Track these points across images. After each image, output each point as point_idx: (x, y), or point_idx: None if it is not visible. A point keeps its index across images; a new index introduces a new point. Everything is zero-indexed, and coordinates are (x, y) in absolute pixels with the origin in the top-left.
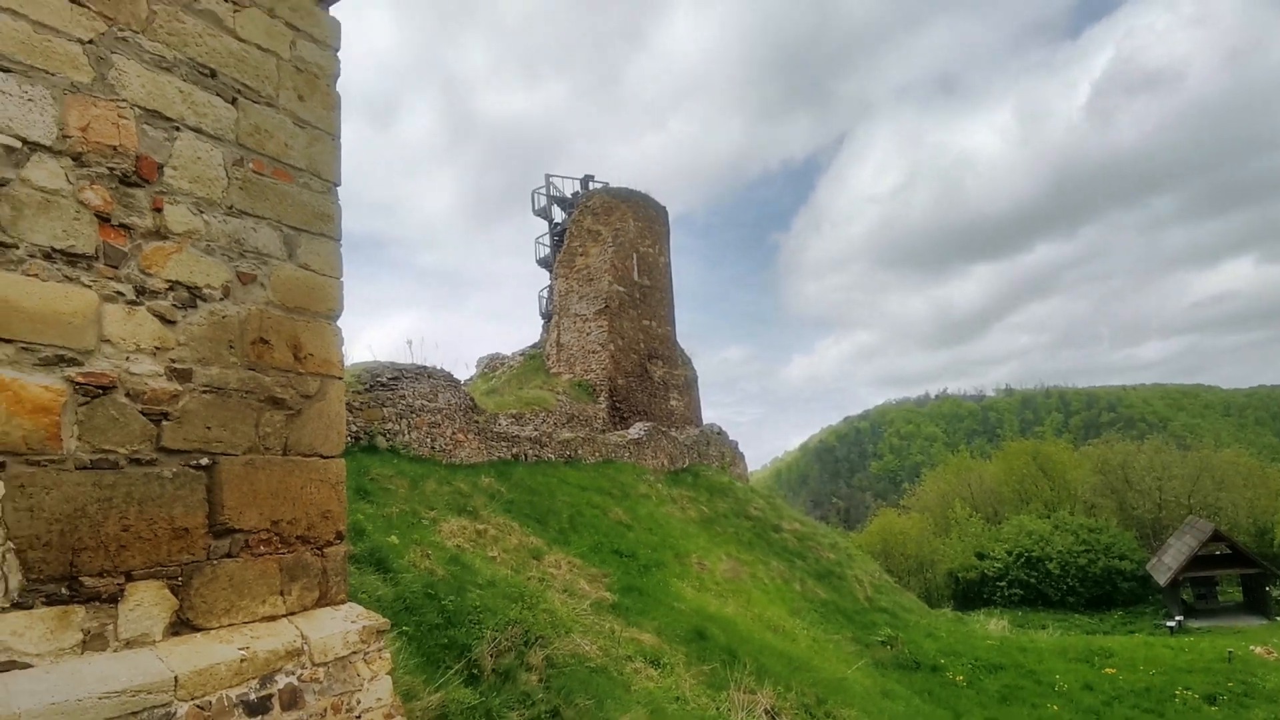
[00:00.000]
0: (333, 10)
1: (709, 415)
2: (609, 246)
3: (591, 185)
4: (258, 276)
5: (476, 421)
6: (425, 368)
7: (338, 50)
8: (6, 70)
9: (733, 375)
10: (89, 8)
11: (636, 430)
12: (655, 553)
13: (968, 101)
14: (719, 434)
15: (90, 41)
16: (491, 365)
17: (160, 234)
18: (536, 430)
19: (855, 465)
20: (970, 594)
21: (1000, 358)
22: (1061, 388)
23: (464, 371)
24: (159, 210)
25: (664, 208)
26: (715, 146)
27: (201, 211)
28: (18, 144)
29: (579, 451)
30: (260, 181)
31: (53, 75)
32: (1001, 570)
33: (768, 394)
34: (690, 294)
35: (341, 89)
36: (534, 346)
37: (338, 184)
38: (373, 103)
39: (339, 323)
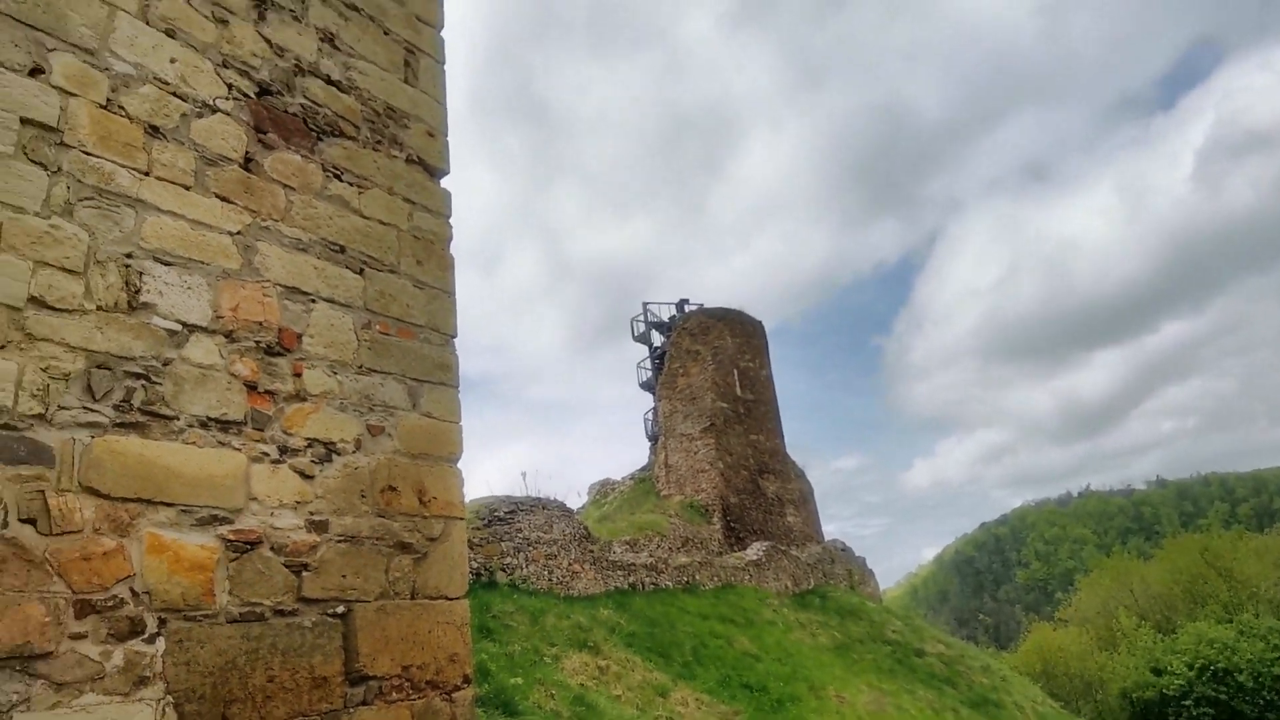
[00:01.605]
0: (443, 182)
1: (829, 530)
2: (709, 365)
3: (686, 308)
4: (385, 427)
5: (591, 551)
6: (539, 499)
7: (449, 217)
8: (169, 264)
9: (849, 486)
10: (236, 204)
11: (755, 551)
12: (788, 685)
13: (1062, 186)
14: (844, 550)
15: (238, 232)
16: (603, 491)
17: (300, 396)
18: (651, 556)
19: (999, 576)
20: (1150, 716)
21: (1143, 447)
22: (1222, 474)
23: (576, 499)
24: (299, 375)
25: (759, 322)
26: (803, 259)
27: (336, 373)
28: (179, 327)
29: (696, 577)
30: (386, 341)
31: (207, 264)
32: (1184, 687)
33: (891, 503)
34: (795, 405)
35: (453, 248)
36: (643, 469)
37: (454, 336)
38: (479, 254)
39: (459, 464)
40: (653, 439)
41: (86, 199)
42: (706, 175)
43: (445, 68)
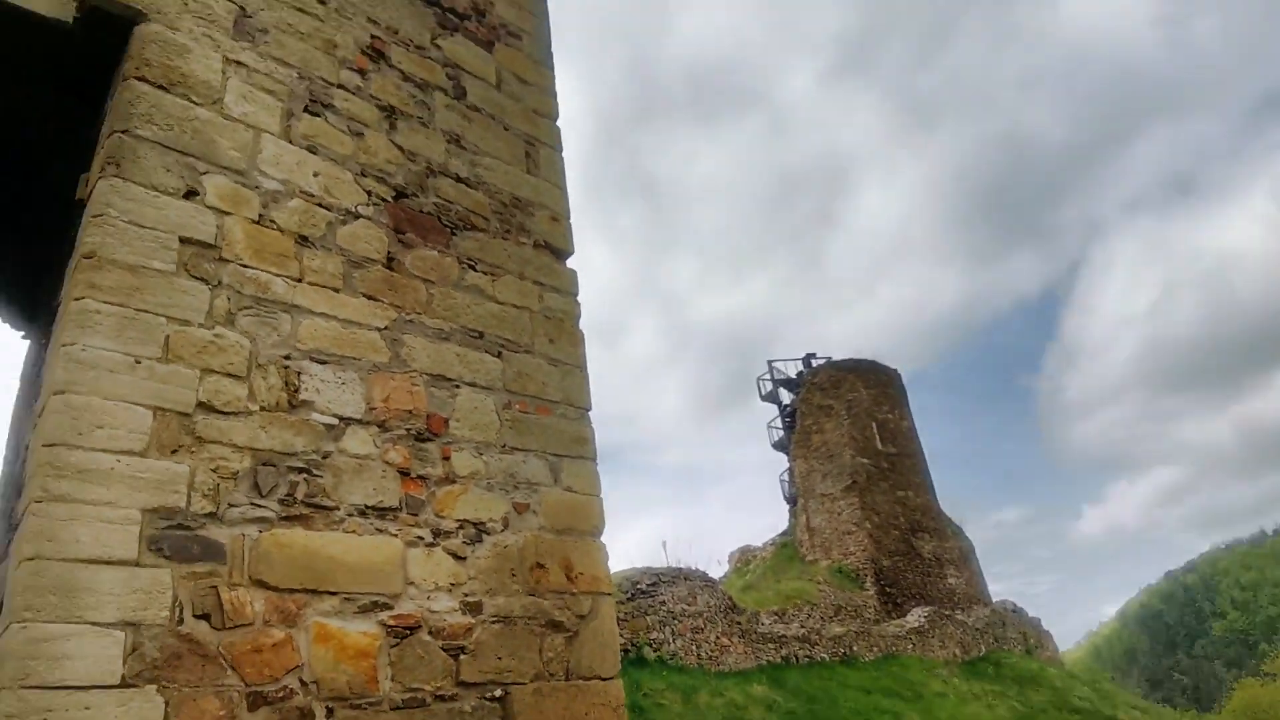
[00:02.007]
0: (568, 262)
1: (996, 590)
2: (844, 419)
3: (814, 362)
4: (530, 504)
5: (738, 623)
6: (681, 569)
7: (577, 295)
8: (324, 362)
9: (1013, 540)
10: (382, 301)
11: (916, 617)
12: None
13: (1211, 197)
14: (1014, 611)
15: (385, 328)
16: (743, 559)
17: (449, 479)
18: (803, 627)
19: (1192, 630)
20: None
21: None
22: None
23: (717, 568)
24: (447, 459)
25: (894, 371)
26: (934, 301)
27: (481, 453)
28: (336, 421)
29: (853, 648)
30: (525, 419)
31: (359, 360)
32: None
33: (1062, 557)
34: (944, 456)
35: (581, 324)
36: (784, 534)
37: (589, 409)
38: (602, 328)
39: (601, 538)
40: (791, 501)
41: (246, 308)
42: (821, 228)
43: (563, 155)
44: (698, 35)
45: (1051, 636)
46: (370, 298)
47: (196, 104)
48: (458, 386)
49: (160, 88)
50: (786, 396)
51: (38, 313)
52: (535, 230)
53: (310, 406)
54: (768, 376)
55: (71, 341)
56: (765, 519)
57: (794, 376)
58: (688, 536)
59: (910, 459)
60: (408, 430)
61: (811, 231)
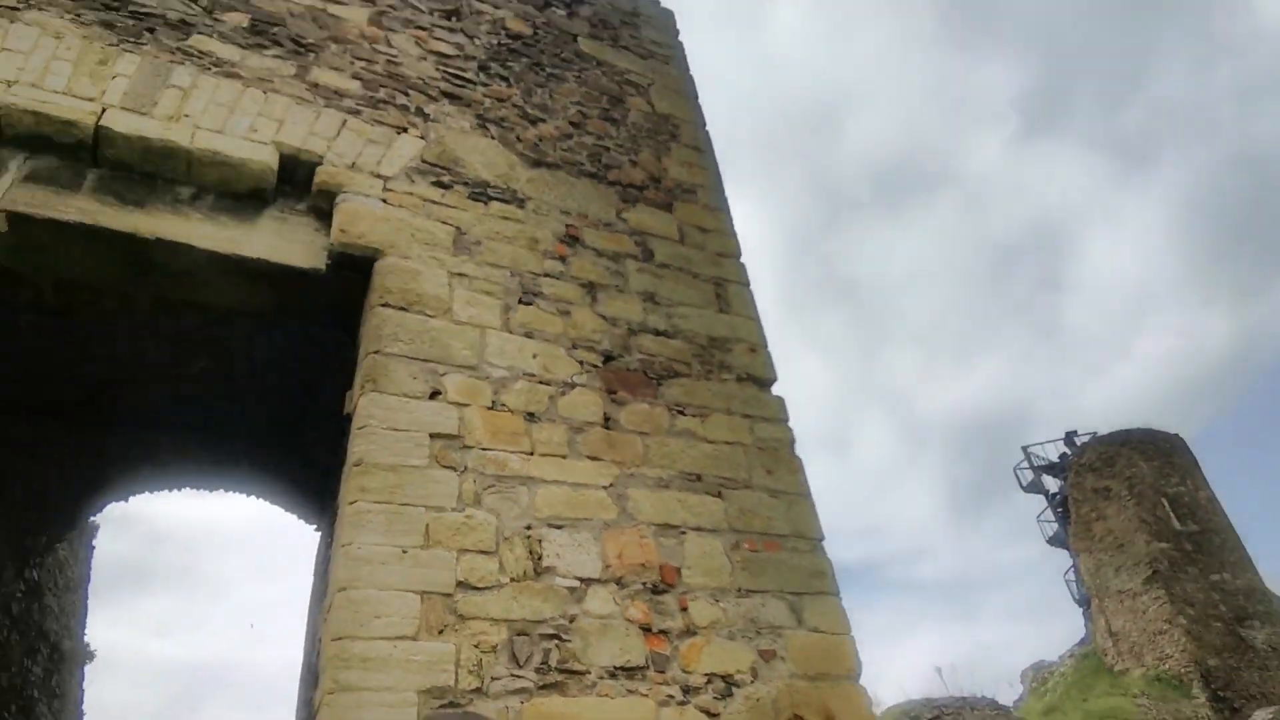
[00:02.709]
0: (774, 389)
1: None
2: (1126, 500)
3: (1077, 440)
4: (776, 650)
5: None
6: (965, 698)
7: (788, 421)
8: (560, 526)
9: None
10: (604, 460)
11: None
12: None
13: None
14: None
15: (610, 485)
16: (1039, 678)
17: (690, 631)
18: None
19: None
20: None
21: None
22: None
23: (1008, 691)
24: (685, 609)
25: (1176, 436)
26: (1202, 348)
27: (718, 600)
28: (577, 583)
29: None
30: (756, 558)
31: (590, 520)
32: None
33: None
34: (1259, 523)
35: (800, 447)
36: (1081, 643)
37: (821, 539)
38: (827, 438)
39: (860, 680)
40: (1083, 604)
41: (489, 487)
42: (1049, 294)
43: (750, 289)
44: (871, 134)
45: None
46: (593, 458)
47: (431, 317)
48: (684, 533)
49: (401, 309)
50: (1052, 484)
51: (325, 507)
52: (735, 365)
53: (553, 572)
54: (1025, 465)
55: (349, 541)
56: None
57: (1057, 460)
58: (967, 658)
59: (1218, 535)
60: (643, 584)
61: (1039, 300)
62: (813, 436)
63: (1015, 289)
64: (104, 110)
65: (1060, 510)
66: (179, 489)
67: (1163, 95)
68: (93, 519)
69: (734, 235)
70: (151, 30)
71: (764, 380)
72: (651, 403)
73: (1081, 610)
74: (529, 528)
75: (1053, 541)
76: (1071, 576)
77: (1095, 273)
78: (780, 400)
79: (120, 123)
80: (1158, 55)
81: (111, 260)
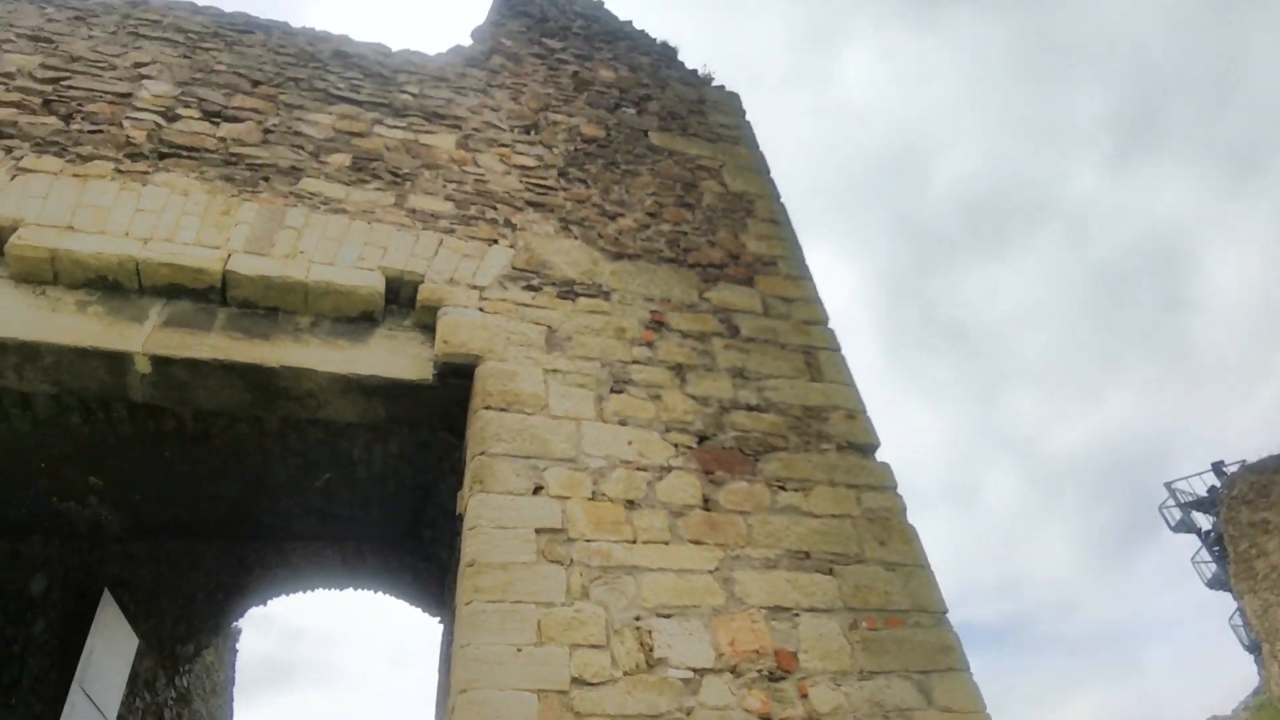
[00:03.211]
0: (878, 454)
1: None
2: None
3: (1225, 470)
4: None
5: None
6: None
7: (896, 488)
8: (669, 615)
9: None
10: (707, 543)
11: None
12: None
13: None
14: None
15: (715, 569)
16: None
17: (812, 719)
18: None
19: None
20: None
21: None
22: None
23: None
24: (805, 696)
25: None
26: None
27: (839, 684)
28: (691, 674)
29: None
30: (876, 637)
31: (699, 607)
32: None
33: None
34: None
35: (917, 505)
36: (1256, 692)
37: (945, 611)
38: (951, 491)
39: None
40: (1253, 649)
41: (595, 579)
42: (1173, 316)
43: (842, 353)
44: (957, 173)
45: None
46: (696, 542)
47: (529, 414)
48: (797, 615)
49: (501, 410)
50: (1204, 520)
51: (445, 601)
52: (834, 434)
53: (665, 663)
54: (1171, 502)
55: (466, 642)
56: (1227, 676)
57: (1205, 495)
58: (1135, 717)
59: None
60: (759, 671)
61: (1163, 323)
62: (934, 490)
63: (1135, 315)
64: (229, 255)
65: (1216, 549)
66: (312, 590)
67: (1260, 99)
68: (235, 624)
69: (819, 302)
70: (266, 179)
71: (866, 447)
72: (750, 480)
73: (1253, 657)
74: (638, 618)
75: (1212, 584)
76: (1238, 620)
77: (1219, 288)
78: (886, 467)
79: (244, 265)
80: (1250, 60)
81: (243, 389)
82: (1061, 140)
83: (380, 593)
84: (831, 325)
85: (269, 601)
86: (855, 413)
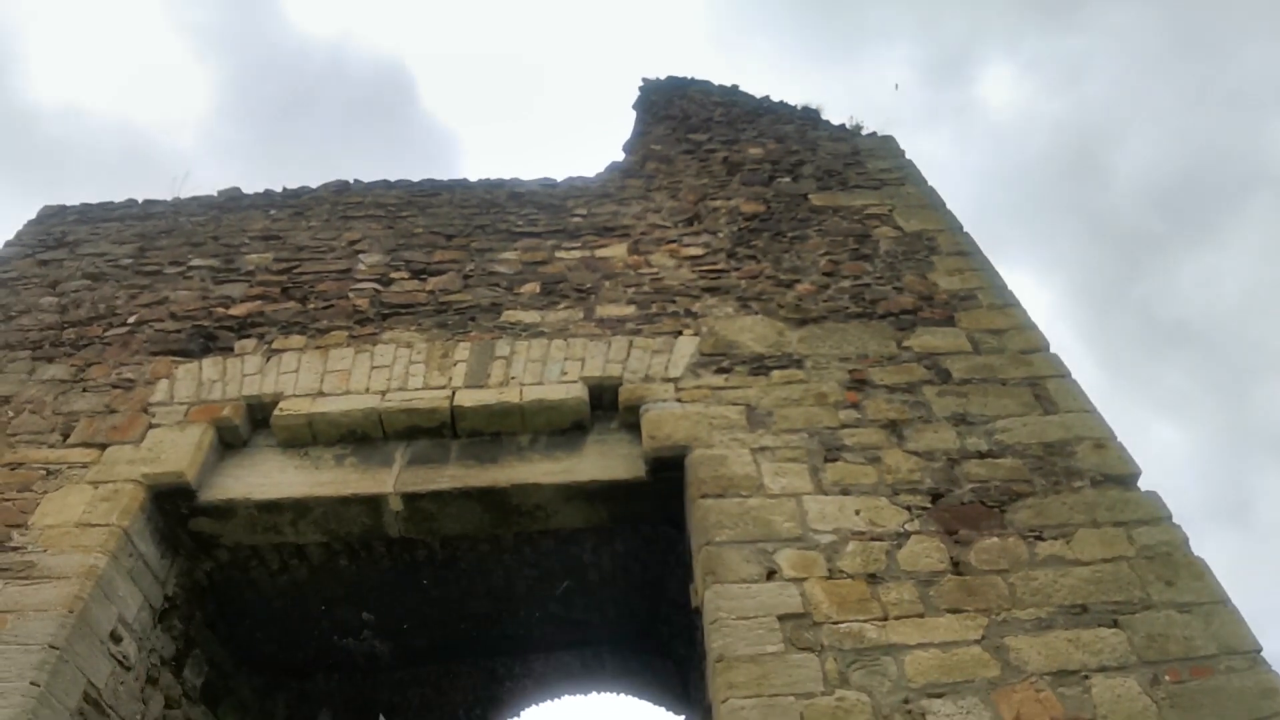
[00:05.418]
0: (1141, 484)
1: None
2: None
3: None
4: None
5: None
6: None
7: (1171, 517)
8: (940, 694)
9: None
10: (966, 610)
11: None
12: None
13: None
14: None
15: (982, 638)
16: None
17: None
18: None
19: None
20: None
21: None
22: None
23: None
24: None
25: None
26: None
27: None
28: None
29: None
30: (1184, 690)
31: (972, 681)
32: None
33: None
34: None
35: (1194, 542)
36: None
37: (1259, 650)
38: (1217, 508)
39: None
40: None
41: (852, 663)
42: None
43: (1073, 378)
44: (1140, 161)
45: None
46: (954, 611)
47: (746, 496)
48: (1086, 677)
49: (718, 496)
50: None
51: (686, 696)
52: (1084, 468)
53: None
54: None
55: None
56: None
57: None
58: None
59: None
60: None
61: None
62: (1198, 511)
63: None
64: (454, 392)
65: None
66: (558, 698)
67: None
68: None
69: (1034, 328)
70: (473, 318)
71: (1126, 478)
72: (1001, 535)
73: None
74: (906, 701)
75: None
76: None
77: None
78: (1154, 496)
79: (467, 399)
80: None
81: (480, 510)
82: (1248, 101)
83: (620, 694)
84: (1055, 350)
85: (521, 713)
86: (1104, 441)
